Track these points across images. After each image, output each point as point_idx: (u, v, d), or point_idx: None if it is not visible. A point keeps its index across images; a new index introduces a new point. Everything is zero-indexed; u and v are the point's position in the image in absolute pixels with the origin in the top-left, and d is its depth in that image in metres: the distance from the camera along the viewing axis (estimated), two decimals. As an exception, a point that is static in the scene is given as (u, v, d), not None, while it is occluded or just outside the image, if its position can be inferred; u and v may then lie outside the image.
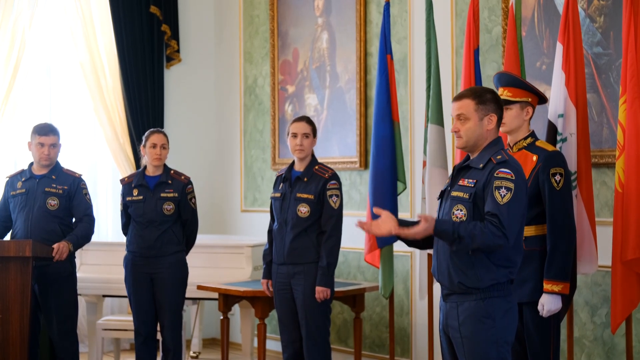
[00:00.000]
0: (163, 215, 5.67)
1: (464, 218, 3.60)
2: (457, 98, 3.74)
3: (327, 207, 5.18)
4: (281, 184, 5.31)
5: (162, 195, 5.70)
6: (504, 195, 3.54)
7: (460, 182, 3.68)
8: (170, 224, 5.71)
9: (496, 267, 3.59)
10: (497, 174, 3.58)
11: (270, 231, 5.38)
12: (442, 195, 3.78)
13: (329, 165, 5.55)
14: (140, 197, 5.71)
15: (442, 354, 3.83)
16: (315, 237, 5.19)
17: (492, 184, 3.57)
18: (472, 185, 3.62)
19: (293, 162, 5.34)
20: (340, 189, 5.25)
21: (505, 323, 3.61)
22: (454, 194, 3.67)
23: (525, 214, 3.66)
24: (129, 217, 5.79)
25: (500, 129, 4.39)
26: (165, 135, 5.80)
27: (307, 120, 5.29)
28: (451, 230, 3.53)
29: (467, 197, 3.61)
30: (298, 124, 5.25)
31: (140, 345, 5.78)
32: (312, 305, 5.16)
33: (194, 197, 5.84)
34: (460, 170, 3.74)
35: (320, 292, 5.12)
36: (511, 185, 3.55)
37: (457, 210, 3.62)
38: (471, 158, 3.74)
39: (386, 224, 3.63)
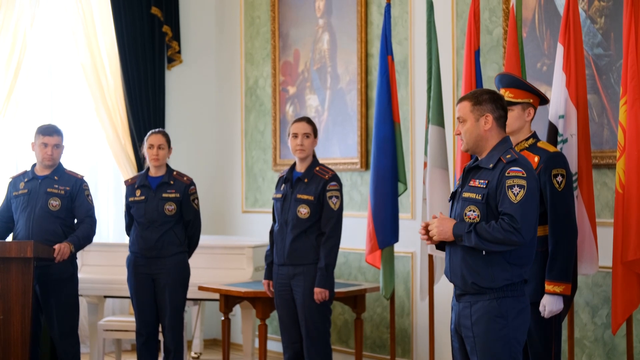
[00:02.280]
0: (164, 215, 5.68)
1: (477, 219, 3.62)
2: (458, 101, 3.80)
3: (327, 208, 5.19)
4: (282, 184, 5.32)
5: (164, 195, 5.71)
6: (517, 194, 3.56)
7: (471, 183, 3.69)
8: (172, 225, 5.71)
9: (511, 266, 3.61)
10: (508, 173, 3.60)
11: (271, 232, 5.39)
12: (454, 196, 3.80)
13: (329, 166, 5.56)
14: (142, 198, 5.73)
15: (452, 354, 3.84)
16: (315, 238, 5.19)
17: (504, 183, 3.59)
18: (484, 186, 3.63)
19: (295, 163, 5.35)
20: (340, 190, 5.25)
21: (518, 323, 3.63)
22: (466, 195, 3.69)
23: (538, 210, 3.68)
24: (132, 218, 5.80)
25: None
26: (164, 135, 5.80)
27: (308, 120, 5.30)
28: (468, 224, 3.59)
29: (479, 198, 3.63)
30: (298, 124, 5.26)
31: (141, 346, 5.78)
32: (312, 306, 5.16)
33: (197, 198, 5.84)
34: (470, 170, 3.76)
35: (319, 293, 5.13)
36: (523, 182, 3.57)
37: (470, 211, 3.64)
38: (480, 158, 3.76)
39: (449, 220, 3.67)
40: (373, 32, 6.81)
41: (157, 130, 5.85)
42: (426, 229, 3.73)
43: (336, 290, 5.76)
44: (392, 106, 5.87)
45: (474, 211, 3.64)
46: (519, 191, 3.57)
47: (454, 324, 3.76)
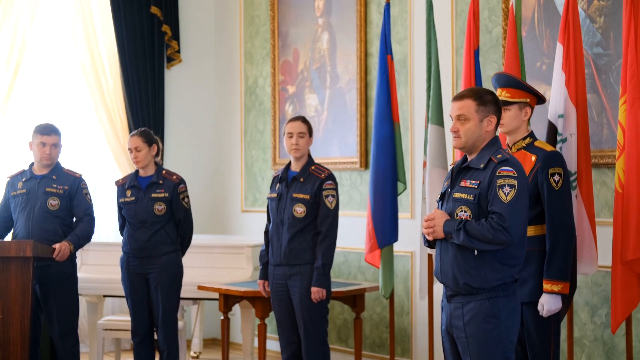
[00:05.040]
0: (154, 215, 5.65)
1: (469, 219, 3.61)
2: (458, 98, 3.73)
3: (323, 207, 5.18)
4: (277, 184, 5.32)
5: (153, 195, 5.66)
6: (508, 193, 3.55)
7: (462, 184, 3.68)
8: (163, 224, 5.67)
9: (502, 266, 3.60)
10: (499, 172, 3.59)
11: (266, 232, 5.38)
12: (442, 197, 3.78)
13: (327, 166, 5.56)
14: (132, 198, 5.69)
15: (444, 354, 3.83)
16: (311, 237, 5.18)
17: (495, 183, 3.58)
18: (476, 187, 3.62)
19: (290, 163, 5.34)
20: (336, 189, 5.24)
21: (510, 322, 3.62)
22: (457, 195, 3.67)
23: (528, 210, 3.67)
24: (125, 218, 5.78)
25: (499, 129, 4.41)
26: (140, 135, 5.69)
27: (302, 119, 5.30)
28: (457, 221, 3.58)
29: (471, 198, 3.62)
30: (293, 124, 5.25)
31: (137, 346, 5.76)
32: (310, 305, 5.15)
33: (187, 197, 5.79)
34: (460, 171, 3.74)
35: (316, 292, 5.12)
36: (514, 182, 3.57)
37: (461, 211, 3.63)
38: (469, 158, 3.74)
39: (441, 217, 3.66)
40: (372, 31, 6.81)
41: (134, 132, 5.77)
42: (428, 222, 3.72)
43: (336, 289, 5.76)
44: (392, 106, 5.86)
45: (465, 211, 3.63)
46: (510, 191, 3.56)
47: (444, 325, 3.74)
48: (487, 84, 5.68)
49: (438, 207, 3.79)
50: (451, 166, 3.88)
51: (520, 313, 3.69)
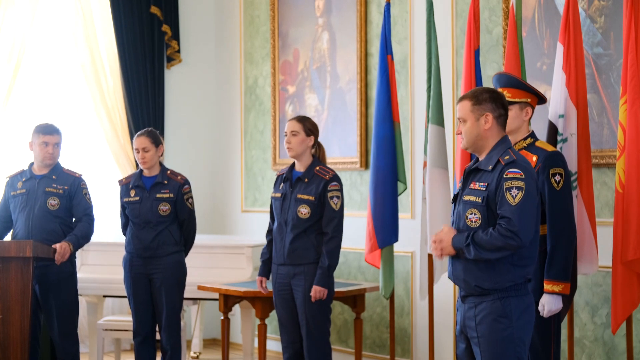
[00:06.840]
0: (159, 216, 5.64)
1: (479, 222, 3.61)
2: (459, 100, 3.78)
3: (328, 208, 5.17)
4: (282, 184, 5.30)
5: (158, 196, 5.65)
6: (516, 196, 3.55)
7: (472, 186, 3.67)
8: (167, 225, 5.67)
9: (514, 268, 3.60)
10: (506, 174, 3.58)
11: (269, 231, 5.37)
12: (455, 199, 3.79)
13: (329, 166, 5.55)
14: (137, 198, 5.68)
15: (457, 355, 3.82)
16: (314, 237, 5.17)
17: (503, 185, 3.57)
18: (484, 189, 3.62)
19: (294, 162, 5.34)
20: (341, 190, 5.23)
21: (522, 322, 3.62)
22: (467, 198, 3.67)
23: (539, 211, 3.67)
24: (128, 217, 5.77)
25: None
26: (147, 136, 5.67)
27: (298, 119, 5.27)
28: (465, 235, 3.59)
29: (479, 200, 3.61)
30: (288, 123, 5.25)
31: (138, 346, 5.76)
32: (312, 305, 5.15)
33: (191, 198, 5.79)
34: (470, 172, 3.75)
35: (317, 291, 5.10)
36: (522, 184, 3.56)
37: (471, 214, 3.63)
38: (479, 159, 3.75)
39: (448, 234, 3.68)
40: (373, 31, 6.81)
41: (141, 132, 5.74)
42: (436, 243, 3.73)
43: (336, 289, 5.76)
44: (392, 106, 5.86)
45: (475, 214, 3.63)
46: (517, 193, 3.55)
47: (459, 325, 3.75)
48: (487, 84, 5.68)
49: (452, 210, 3.80)
50: (463, 168, 3.90)
51: (533, 312, 3.68)
